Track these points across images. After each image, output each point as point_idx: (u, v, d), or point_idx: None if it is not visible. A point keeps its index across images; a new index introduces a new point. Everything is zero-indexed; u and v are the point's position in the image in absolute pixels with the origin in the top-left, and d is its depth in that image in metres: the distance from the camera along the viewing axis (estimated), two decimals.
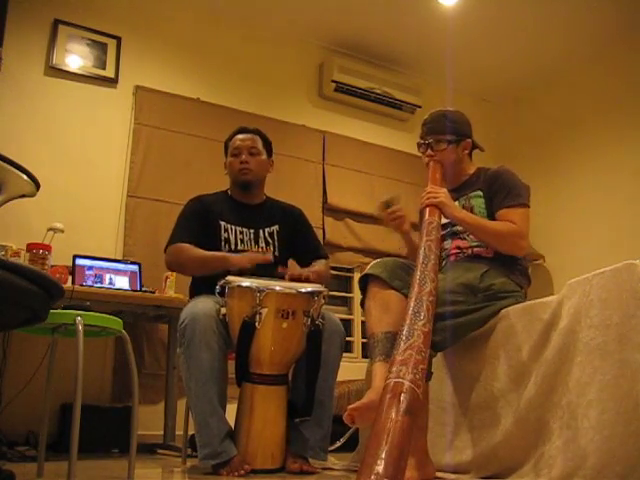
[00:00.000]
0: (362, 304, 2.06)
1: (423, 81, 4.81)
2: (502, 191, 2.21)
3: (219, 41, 4.20)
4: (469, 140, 2.36)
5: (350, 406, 1.68)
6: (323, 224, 4.25)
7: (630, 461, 1.49)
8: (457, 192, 2.33)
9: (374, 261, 2.08)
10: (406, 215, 2.31)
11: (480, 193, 2.27)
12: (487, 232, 2.16)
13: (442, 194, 2.16)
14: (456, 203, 2.25)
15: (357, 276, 4.49)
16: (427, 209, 2.12)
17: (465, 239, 2.25)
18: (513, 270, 2.18)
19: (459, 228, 2.25)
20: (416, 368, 1.36)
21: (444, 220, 2.20)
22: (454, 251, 2.26)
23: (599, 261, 2.02)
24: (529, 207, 2.21)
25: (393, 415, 1.22)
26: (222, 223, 2.53)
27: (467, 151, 2.37)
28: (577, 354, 1.69)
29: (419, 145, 2.39)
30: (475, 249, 2.22)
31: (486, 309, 2.04)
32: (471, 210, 2.25)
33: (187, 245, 2.43)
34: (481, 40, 4.39)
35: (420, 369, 1.37)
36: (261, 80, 4.29)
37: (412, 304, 1.61)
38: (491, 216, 2.22)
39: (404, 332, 1.49)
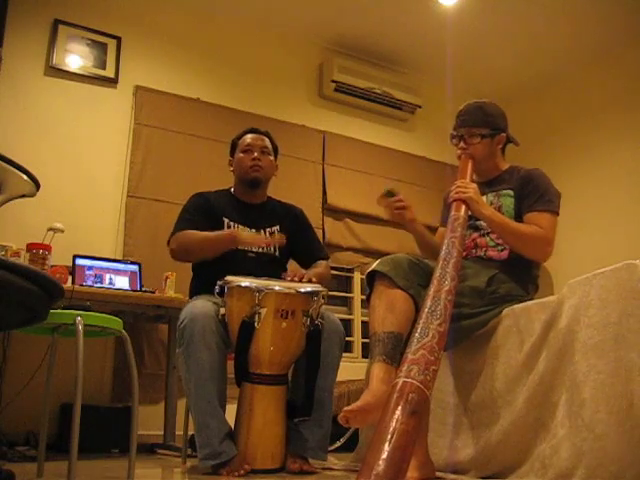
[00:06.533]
0: (368, 299, 1.99)
1: (423, 81, 4.81)
2: (534, 194, 2.15)
3: (219, 41, 4.20)
4: (504, 134, 2.28)
5: (345, 408, 1.65)
6: (323, 224, 4.25)
7: (624, 460, 1.49)
8: (488, 186, 2.27)
9: (384, 257, 2.00)
10: (408, 204, 2.26)
11: (511, 192, 2.21)
12: (513, 233, 2.10)
13: (471, 189, 2.09)
14: (484, 198, 2.19)
15: (357, 276, 4.49)
16: (454, 204, 2.06)
17: (484, 237, 2.20)
18: (522, 276, 2.15)
19: (482, 224, 2.19)
20: (427, 369, 1.30)
21: None
22: (469, 244, 2.21)
23: (599, 261, 2.01)
24: (558, 214, 2.15)
25: (399, 416, 1.18)
26: (225, 220, 2.53)
27: (500, 146, 2.29)
28: (575, 353, 1.68)
29: (452, 137, 2.30)
30: (489, 251, 2.18)
31: (490, 312, 2.02)
32: (499, 208, 2.19)
33: (191, 230, 2.43)
34: (481, 40, 4.39)
35: (432, 370, 1.32)
36: (261, 80, 4.29)
37: (429, 302, 1.53)
38: (519, 217, 2.16)
39: (418, 330, 1.43)
